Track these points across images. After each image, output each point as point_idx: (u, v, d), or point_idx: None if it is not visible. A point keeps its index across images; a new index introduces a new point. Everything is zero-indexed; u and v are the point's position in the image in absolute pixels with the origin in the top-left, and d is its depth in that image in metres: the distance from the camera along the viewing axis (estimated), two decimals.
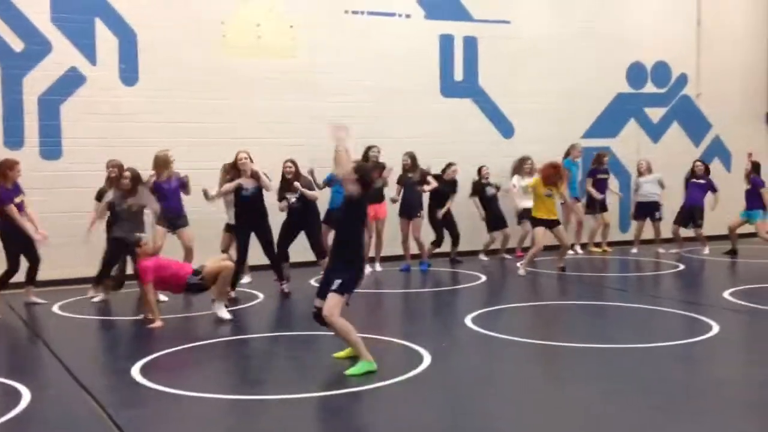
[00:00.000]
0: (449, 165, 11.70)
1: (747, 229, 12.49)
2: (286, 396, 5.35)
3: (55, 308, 8.62)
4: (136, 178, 8.69)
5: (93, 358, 6.92)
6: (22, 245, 8.68)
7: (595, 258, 12.42)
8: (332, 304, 5.78)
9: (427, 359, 6.08)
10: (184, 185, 9.65)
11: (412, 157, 11.22)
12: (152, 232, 9.08)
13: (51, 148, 10.28)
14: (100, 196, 9.24)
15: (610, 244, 13.00)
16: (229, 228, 9.96)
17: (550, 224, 10.63)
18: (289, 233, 9.73)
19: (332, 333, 6.01)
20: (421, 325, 7.89)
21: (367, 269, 10.79)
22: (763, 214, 11.91)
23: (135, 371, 5.87)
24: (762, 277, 10.71)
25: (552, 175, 10.50)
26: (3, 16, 10.01)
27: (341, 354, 6.24)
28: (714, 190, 12.44)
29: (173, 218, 9.59)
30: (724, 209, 12.41)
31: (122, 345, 7.38)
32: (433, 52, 12.48)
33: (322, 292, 5.92)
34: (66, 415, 5.11)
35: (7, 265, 8.73)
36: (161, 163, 9.44)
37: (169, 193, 9.51)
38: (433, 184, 11.23)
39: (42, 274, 9.02)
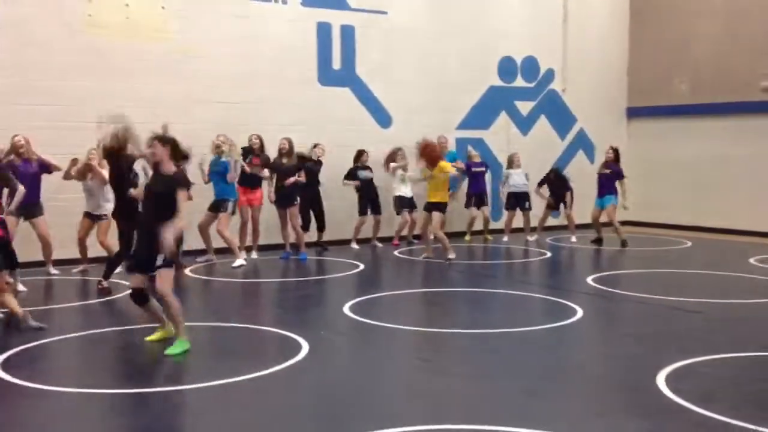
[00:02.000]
0: (315, 145, 11.69)
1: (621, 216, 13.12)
2: (157, 389, 5.22)
3: None
4: None
5: None
6: None
7: (469, 246, 12.79)
8: (166, 279, 5.93)
9: (305, 348, 6.08)
10: (45, 165, 9.27)
11: (290, 142, 11.14)
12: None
13: None
14: None
15: (478, 232, 13.41)
16: (88, 215, 9.63)
17: (432, 207, 10.75)
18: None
19: (203, 323, 5.90)
20: (300, 314, 7.87)
21: (243, 257, 10.70)
22: (615, 200, 12.58)
23: None
24: (621, 263, 11.39)
25: (432, 155, 10.59)
26: None
27: (154, 337, 6.34)
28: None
29: (28, 206, 9.12)
30: (586, 198, 13.06)
31: None
32: (311, 40, 12.41)
33: (140, 270, 6.06)
34: None
35: None
36: (12, 149, 9.15)
37: (28, 179, 9.04)
38: (302, 178, 11.14)
39: None
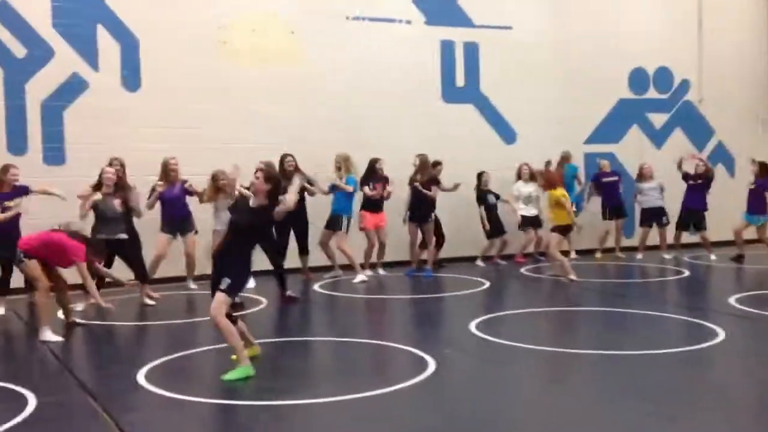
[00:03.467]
0: (436, 164, 11.63)
1: (753, 234, 12.37)
2: (289, 402, 5.31)
3: (59, 313, 8.48)
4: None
5: (97, 363, 6.90)
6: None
7: (600, 264, 12.39)
8: (218, 303, 5.79)
9: (431, 366, 6.05)
10: (189, 192, 9.72)
11: (423, 159, 11.21)
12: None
13: (54, 153, 10.25)
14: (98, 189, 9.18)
15: (609, 250, 12.97)
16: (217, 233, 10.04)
17: (552, 229, 10.65)
18: (283, 231, 9.87)
19: (331, 338, 5.98)
20: (426, 331, 7.85)
21: (368, 274, 10.84)
22: (764, 219, 11.85)
23: (140, 376, 5.84)
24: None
25: (548, 179, 10.59)
26: (4, 22, 10.02)
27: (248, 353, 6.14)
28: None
29: (179, 224, 9.68)
30: (727, 214, 12.39)
31: (126, 350, 7.34)
32: (434, 58, 12.48)
33: (214, 291, 5.91)
34: (71, 420, 5.09)
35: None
36: (166, 170, 9.61)
37: (173, 200, 9.58)
38: (436, 192, 11.18)
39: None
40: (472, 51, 12.70)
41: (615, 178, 12.88)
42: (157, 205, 9.65)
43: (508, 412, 5.16)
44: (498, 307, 9.10)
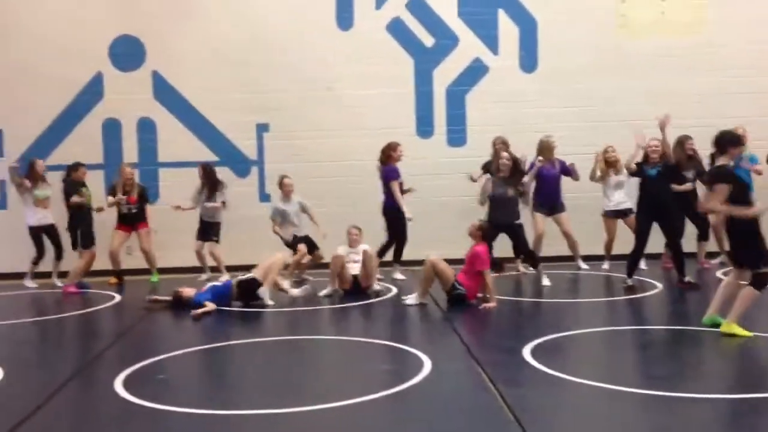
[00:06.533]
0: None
1: None
2: (670, 394, 4.95)
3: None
4: (516, 163, 8.90)
5: (488, 335, 7.24)
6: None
7: None
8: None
9: None
10: (568, 171, 9.62)
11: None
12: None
13: (457, 135, 10.98)
14: (486, 170, 9.64)
15: None
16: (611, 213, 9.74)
17: None
18: (677, 215, 9.15)
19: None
20: None
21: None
22: None
23: (526, 352, 5.98)
24: None
25: None
26: (416, 15, 10.94)
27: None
28: None
29: (551, 204, 9.66)
30: None
31: (516, 325, 7.57)
32: None
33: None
34: (459, 385, 5.41)
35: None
36: (545, 148, 9.57)
37: (549, 179, 9.57)
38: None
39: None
40: None
41: None
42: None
43: None
44: None
